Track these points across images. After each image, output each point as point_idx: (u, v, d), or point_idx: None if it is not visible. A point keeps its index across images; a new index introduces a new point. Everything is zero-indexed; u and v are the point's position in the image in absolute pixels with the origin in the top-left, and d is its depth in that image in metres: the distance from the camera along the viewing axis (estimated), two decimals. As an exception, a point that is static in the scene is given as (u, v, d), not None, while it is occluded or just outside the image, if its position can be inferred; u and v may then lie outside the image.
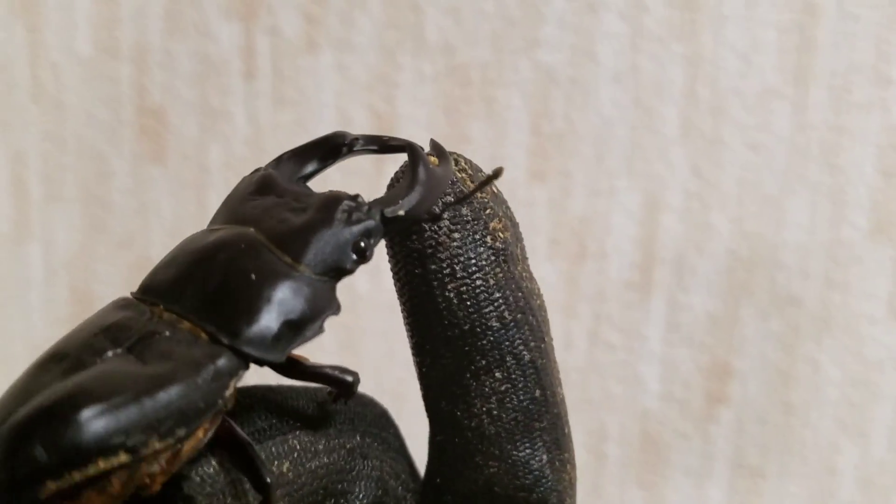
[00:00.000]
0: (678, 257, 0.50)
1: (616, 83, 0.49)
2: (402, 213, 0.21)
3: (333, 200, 0.21)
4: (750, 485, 0.52)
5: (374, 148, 0.23)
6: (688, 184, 0.50)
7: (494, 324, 0.22)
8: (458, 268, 0.22)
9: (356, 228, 0.21)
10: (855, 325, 0.50)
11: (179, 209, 0.55)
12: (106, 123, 0.55)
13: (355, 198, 0.21)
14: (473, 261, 0.22)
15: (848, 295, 0.50)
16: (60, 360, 0.19)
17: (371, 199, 0.22)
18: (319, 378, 0.21)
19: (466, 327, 0.22)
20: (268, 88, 0.53)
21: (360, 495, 0.22)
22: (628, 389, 0.52)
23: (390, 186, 0.24)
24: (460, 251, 0.22)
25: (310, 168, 0.23)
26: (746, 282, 0.50)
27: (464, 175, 0.23)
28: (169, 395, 0.18)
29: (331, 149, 0.23)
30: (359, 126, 0.52)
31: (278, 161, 0.23)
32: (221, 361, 0.19)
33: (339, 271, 0.21)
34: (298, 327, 0.20)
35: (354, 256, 0.21)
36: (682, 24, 0.48)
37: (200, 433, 0.19)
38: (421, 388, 0.24)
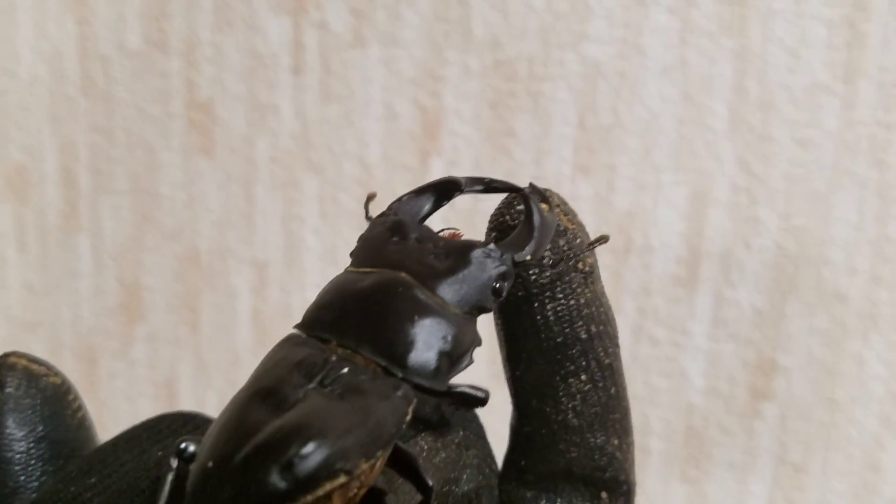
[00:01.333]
0: (725, 252, 0.50)
1: (664, 77, 0.49)
2: (528, 257, 0.25)
3: (471, 248, 0.24)
4: (793, 480, 0.52)
5: (480, 188, 0.26)
6: (736, 178, 0.50)
7: (583, 335, 0.26)
8: (557, 291, 0.26)
9: (494, 273, 0.24)
10: (902, 321, 0.50)
11: (227, 202, 0.55)
12: (155, 116, 0.55)
13: (487, 244, 0.24)
14: (568, 284, 0.26)
15: (895, 292, 0.49)
16: (265, 396, 0.22)
17: (500, 245, 0.25)
18: (459, 397, 0.24)
19: (560, 340, 0.26)
20: (315, 83, 0.53)
21: (467, 480, 0.26)
22: (672, 384, 0.53)
23: (497, 224, 0.27)
24: (558, 277, 0.26)
25: (427, 209, 0.26)
26: (793, 277, 0.50)
27: (558, 210, 0.26)
28: (371, 424, 0.22)
29: (445, 192, 0.26)
30: (404, 119, 0.53)
31: (399, 201, 0.26)
32: (401, 392, 0.23)
33: (481, 309, 0.24)
34: (455, 359, 0.24)
35: (493, 297, 0.24)
36: (731, 18, 0.48)
37: (387, 453, 0.22)
38: (511, 388, 0.28)
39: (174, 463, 0.23)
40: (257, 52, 0.53)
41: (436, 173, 0.53)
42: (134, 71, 0.55)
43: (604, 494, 0.27)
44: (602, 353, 0.26)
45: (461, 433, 0.26)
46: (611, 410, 0.27)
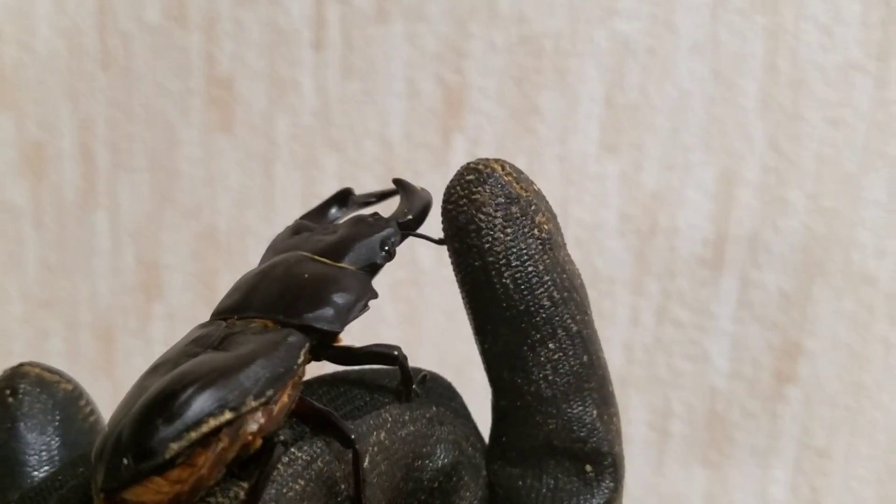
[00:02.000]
0: (752, 234, 0.50)
1: (694, 55, 0.48)
2: (410, 217, 0.27)
3: (359, 217, 0.27)
4: (816, 465, 0.52)
5: (374, 200, 0.29)
6: (765, 159, 0.49)
7: (546, 302, 0.26)
8: (512, 258, 0.26)
9: (382, 233, 0.27)
10: (931, 305, 0.49)
11: (246, 179, 0.55)
12: (174, 92, 0.55)
13: (374, 214, 0.27)
14: (524, 251, 0.26)
15: (925, 275, 0.49)
16: (161, 366, 0.23)
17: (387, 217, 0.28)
18: (369, 356, 0.25)
19: (522, 308, 0.26)
20: (337, 58, 0.53)
21: (441, 455, 0.26)
22: (696, 367, 0.52)
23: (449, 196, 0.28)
24: (513, 244, 0.26)
25: (330, 215, 0.29)
26: (821, 259, 0.49)
27: (510, 178, 0.27)
28: (257, 364, 0.23)
29: (341, 200, 0.29)
30: (427, 96, 0.52)
31: (301, 217, 0.28)
32: (292, 337, 0.24)
33: (372, 266, 0.26)
34: (348, 306, 0.25)
35: (382, 253, 0.26)
36: (763, -5, 0.47)
37: (286, 397, 0.23)
38: (483, 362, 0.27)
39: None
40: (278, 27, 0.53)
41: (458, 151, 0.52)
42: (153, 46, 0.54)
43: (588, 467, 0.27)
44: (569, 321, 0.26)
45: (433, 409, 0.26)
46: (585, 379, 0.26)
